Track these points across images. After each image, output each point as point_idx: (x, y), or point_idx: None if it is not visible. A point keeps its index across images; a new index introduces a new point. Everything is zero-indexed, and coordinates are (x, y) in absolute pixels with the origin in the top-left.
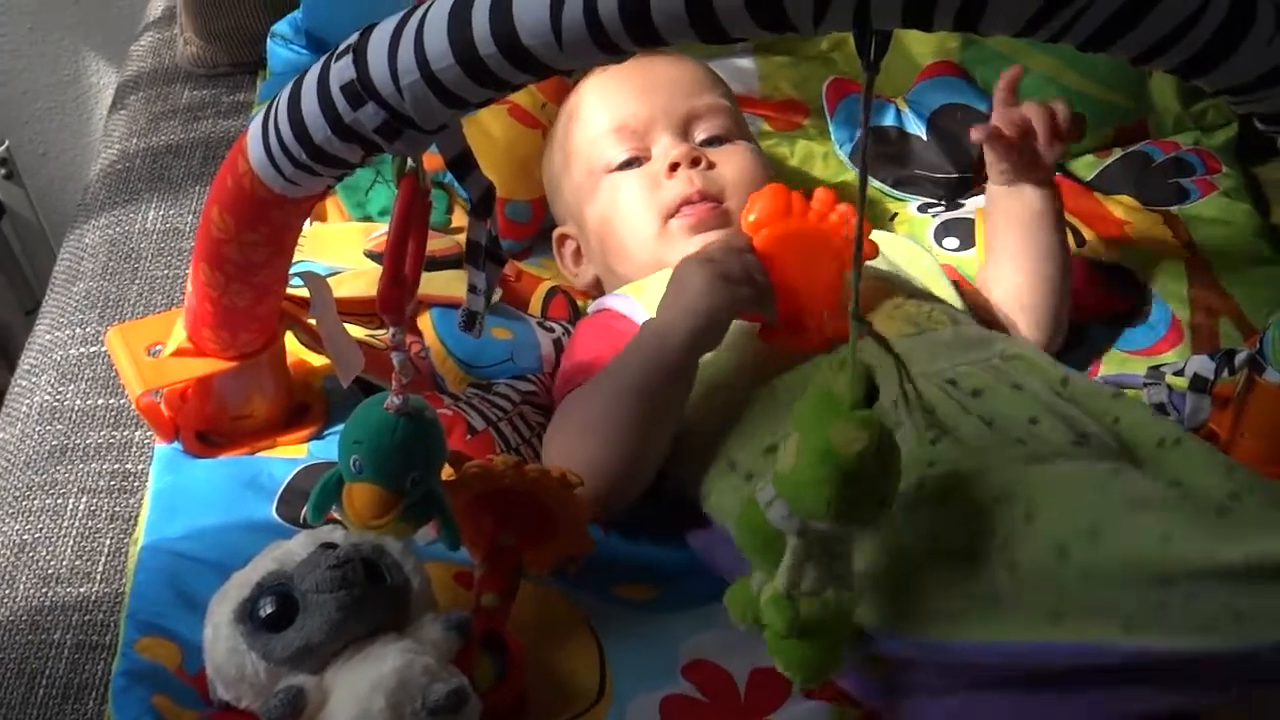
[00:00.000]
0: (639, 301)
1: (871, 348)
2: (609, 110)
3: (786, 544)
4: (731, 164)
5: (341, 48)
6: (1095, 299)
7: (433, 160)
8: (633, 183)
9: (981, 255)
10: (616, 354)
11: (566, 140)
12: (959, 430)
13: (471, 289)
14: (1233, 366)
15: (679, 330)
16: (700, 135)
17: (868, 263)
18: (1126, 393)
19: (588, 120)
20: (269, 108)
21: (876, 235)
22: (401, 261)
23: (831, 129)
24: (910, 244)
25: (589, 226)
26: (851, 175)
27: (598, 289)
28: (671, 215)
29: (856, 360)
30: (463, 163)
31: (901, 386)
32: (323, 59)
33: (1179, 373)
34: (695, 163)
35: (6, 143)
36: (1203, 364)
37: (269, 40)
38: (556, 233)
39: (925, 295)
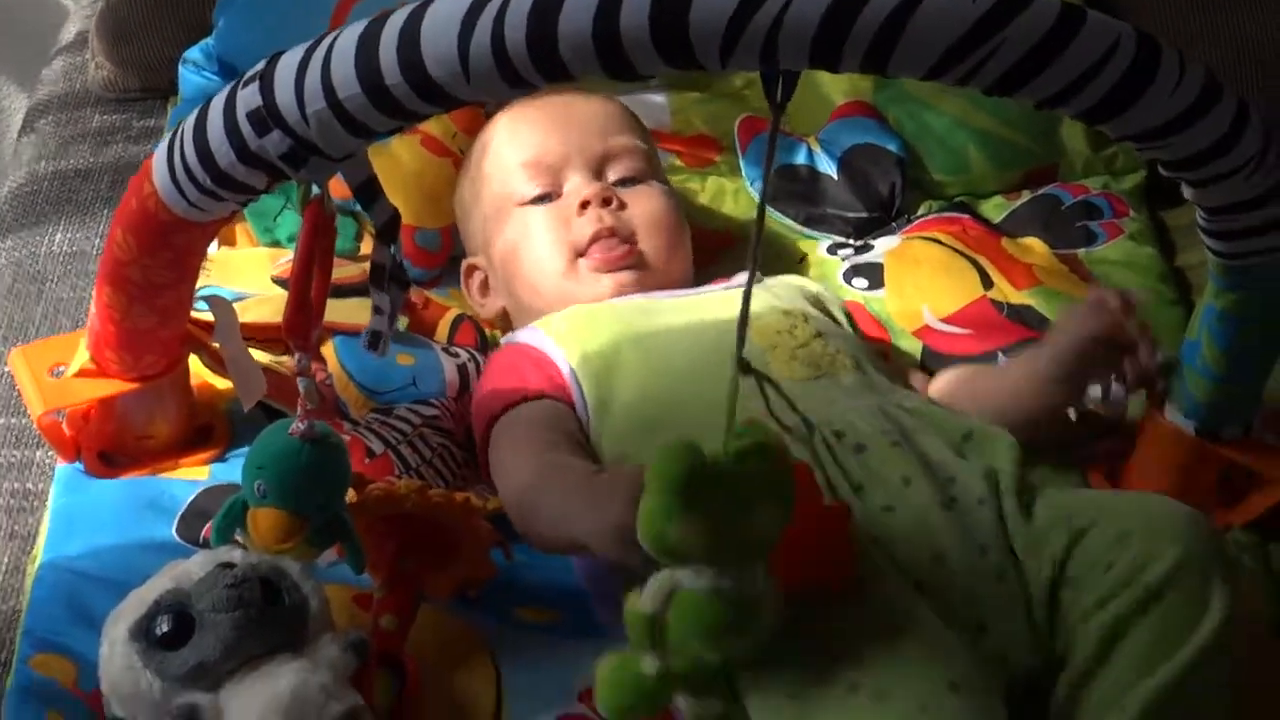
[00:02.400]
0: (548, 335)
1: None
2: (523, 145)
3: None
4: (643, 205)
5: (249, 74)
6: (1000, 333)
7: (341, 188)
8: (543, 218)
9: (891, 297)
10: (523, 380)
11: (479, 172)
12: (833, 495)
13: (375, 310)
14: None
15: (575, 532)
16: (613, 175)
17: (773, 297)
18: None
19: (501, 153)
20: (175, 132)
21: (784, 278)
22: (307, 288)
23: (743, 166)
24: (819, 287)
25: (497, 259)
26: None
27: (504, 320)
28: (581, 254)
29: (732, 412)
30: (368, 190)
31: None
32: (230, 85)
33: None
34: (607, 202)
35: None
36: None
37: (180, 66)
38: (465, 263)
39: (833, 334)
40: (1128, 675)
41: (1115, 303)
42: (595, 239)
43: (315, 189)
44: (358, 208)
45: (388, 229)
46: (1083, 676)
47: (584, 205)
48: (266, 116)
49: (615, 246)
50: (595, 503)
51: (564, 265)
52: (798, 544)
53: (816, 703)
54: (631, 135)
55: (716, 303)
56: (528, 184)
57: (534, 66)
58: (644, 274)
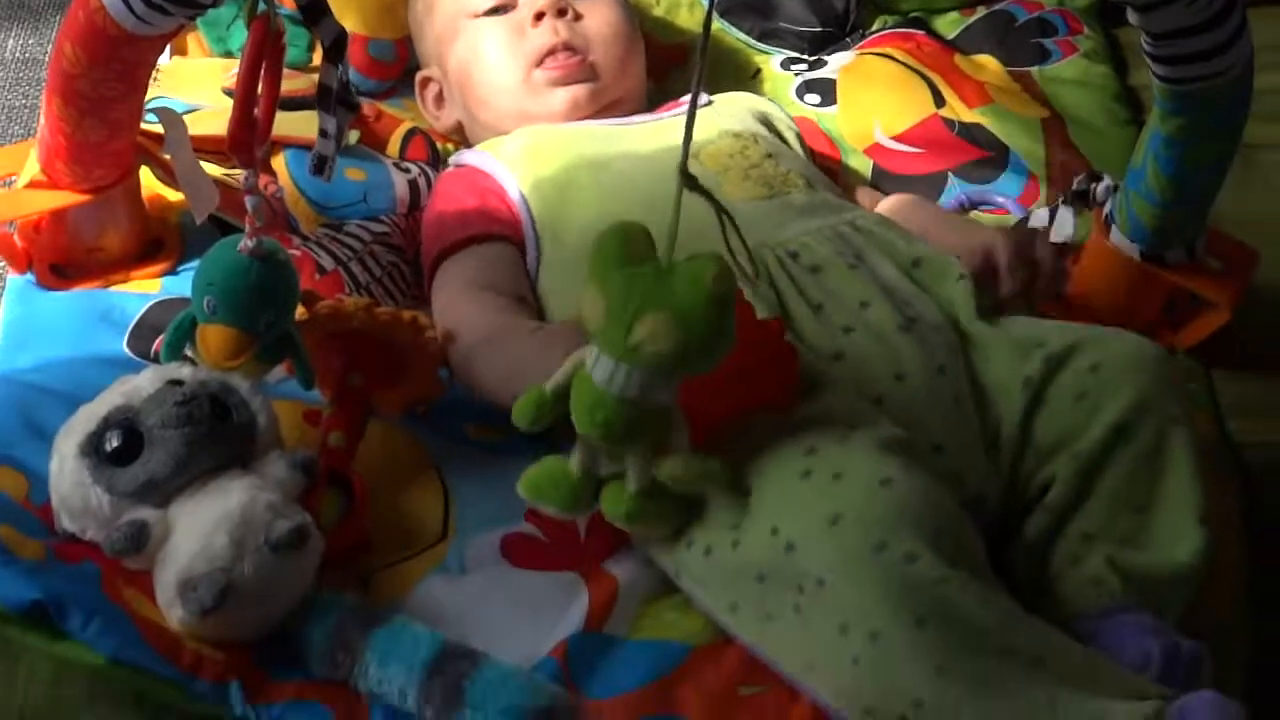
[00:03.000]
0: (497, 158)
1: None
2: None
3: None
4: (598, 16)
5: None
6: (953, 150)
7: None
8: (497, 30)
9: (843, 113)
10: (472, 211)
11: None
12: (789, 315)
13: (322, 133)
14: (1091, 196)
15: (515, 382)
16: None
17: (724, 120)
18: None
19: None
20: None
21: (733, 96)
22: (251, 104)
23: None
24: (770, 104)
25: (451, 71)
26: (715, 26)
27: (459, 133)
28: (536, 65)
29: (675, 223)
30: (315, 7)
31: (736, 262)
32: None
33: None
34: (561, 13)
35: None
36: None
37: None
38: (419, 75)
39: (784, 154)
40: (1102, 519)
41: (989, 252)
42: (550, 51)
43: (262, 3)
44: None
45: (335, 48)
46: (1058, 517)
47: (539, 16)
48: None
49: (569, 58)
50: (540, 355)
51: (519, 78)
52: (740, 366)
53: (775, 490)
54: None
55: (670, 129)
56: None
57: None
58: (597, 86)
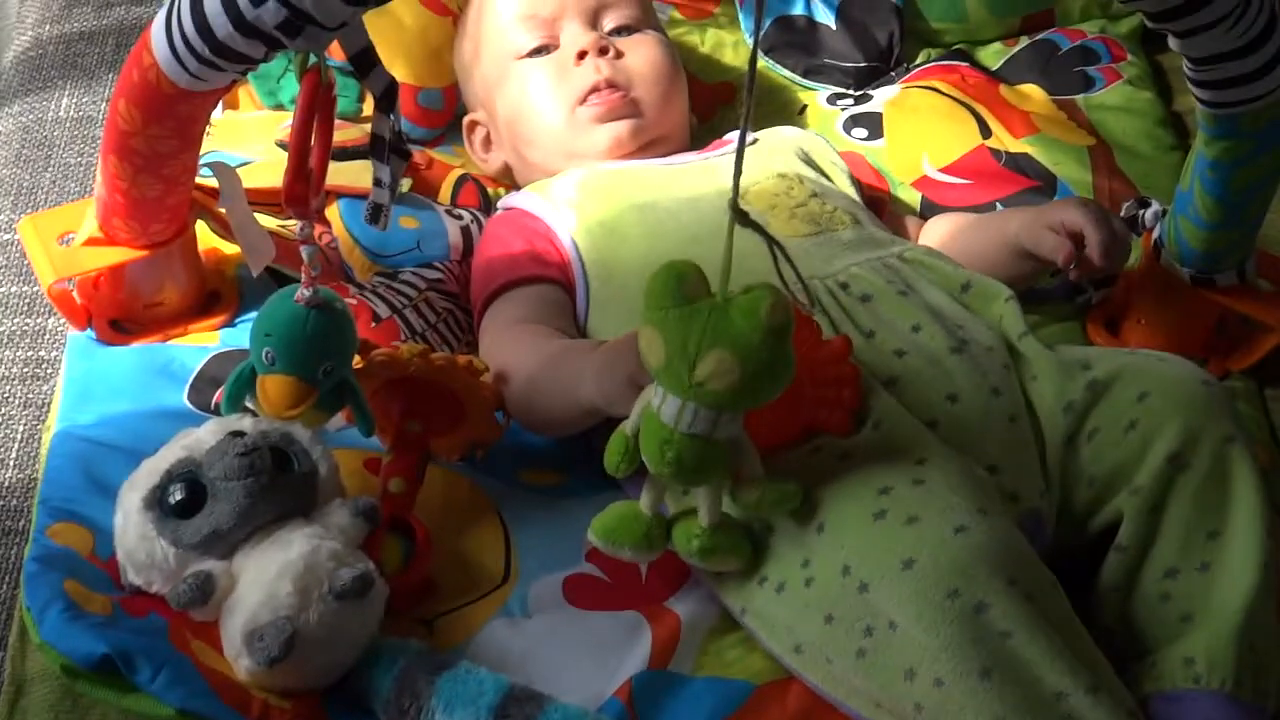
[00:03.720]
0: (545, 200)
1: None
2: None
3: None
4: (639, 54)
5: None
6: (1001, 180)
7: (339, 52)
8: (541, 70)
9: (890, 147)
10: (527, 247)
11: (477, 27)
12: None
13: (376, 183)
14: (1141, 221)
15: (583, 398)
16: (609, 24)
17: (769, 160)
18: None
19: (498, 7)
20: (171, 4)
21: (779, 131)
22: (305, 156)
23: (740, 17)
24: (816, 139)
25: (499, 114)
26: (761, 64)
27: (507, 175)
28: (579, 103)
29: (728, 257)
30: (365, 59)
31: (790, 292)
32: None
33: None
34: (603, 51)
35: None
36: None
37: None
38: (467, 119)
39: (829, 193)
40: (1178, 551)
41: (1070, 227)
42: (594, 89)
43: (313, 58)
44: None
45: (386, 97)
46: (1135, 556)
47: (581, 55)
48: None
49: (612, 94)
50: (606, 363)
51: (564, 116)
52: (805, 386)
53: (846, 530)
54: None
55: (717, 169)
56: (525, 37)
57: None
58: (640, 123)
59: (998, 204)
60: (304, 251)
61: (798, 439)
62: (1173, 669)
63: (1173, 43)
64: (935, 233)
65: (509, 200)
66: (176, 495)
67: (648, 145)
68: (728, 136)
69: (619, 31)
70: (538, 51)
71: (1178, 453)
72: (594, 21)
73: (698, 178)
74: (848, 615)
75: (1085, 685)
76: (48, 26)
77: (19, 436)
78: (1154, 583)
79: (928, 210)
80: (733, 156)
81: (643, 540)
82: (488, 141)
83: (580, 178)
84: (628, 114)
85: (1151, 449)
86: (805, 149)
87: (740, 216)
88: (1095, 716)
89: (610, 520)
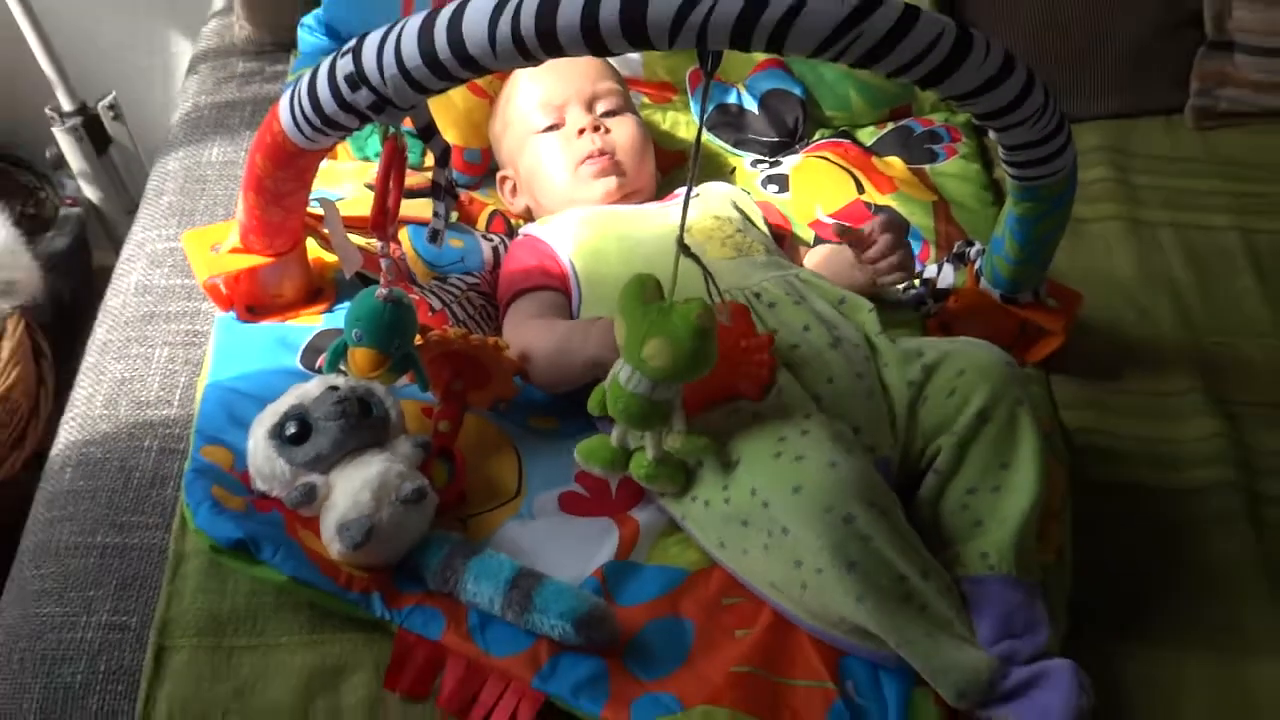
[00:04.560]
0: (551, 231)
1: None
2: (536, 90)
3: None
4: (622, 130)
5: (344, 50)
6: None
7: (410, 123)
8: (552, 142)
9: (794, 198)
10: (534, 270)
11: (506, 111)
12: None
13: (434, 215)
14: (967, 257)
15: (582, 357)
16: (600, 109)
17: (708, 206)
18: (871, 307)
19: (521, 97)
20: (294, 89)
21: (716, 186)
22: (385, 196)
23: (691, 104)
24: (737, 191)
25: (521, 172)
26: (705, 136)
27: (527, 214)
28: (579, 165)
29: (674, 277)
30: (428, 129)
31: (710, 296)
32: (330, 57)
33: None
34: (596, 129)
35: (114, 93)
36: (945, 268)
37: (299, 28)
38: (499, 174)
39: (750, 230)
40: (977, 476)
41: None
42: (589, 156)
43: (391, 129)
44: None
45: (443, 156)
46: (945, 477)
47: (581, 131)
48: (357, 79)
49: (603, 159)
50: (596, 332)
51: (569, 174)
52: (733, 362)
53: (754, 464)
54: (612, 81)
55: (671, 213)
56: (541, 118)
57: (541, 47)
58: (623, 180)
59: None
60: (382, 262)
61: (720, 402)
62: (973, 559)
63: (994, 135)
64: (813, 259)
65: (526, 229)
66: (291, 429)
67: (627, 195)
68: (678, 190)
69: (608, 114)
70: (549, 129)
71: (983, 409)
72: (590, 107)
73: (659, 218)
74: (756, 521)
75: (919, 571)
76: (204, 97)
77: (181, 384)
78: (957, 498)
79: (817, 243)
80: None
81: (608, 463)
82: (514, 190)
83: (576, 216)
84: (614, 173)
85: (965, 408)
86: (734, 199)
87: (684, 250)
88: (927, 589)
89: (588, 446)
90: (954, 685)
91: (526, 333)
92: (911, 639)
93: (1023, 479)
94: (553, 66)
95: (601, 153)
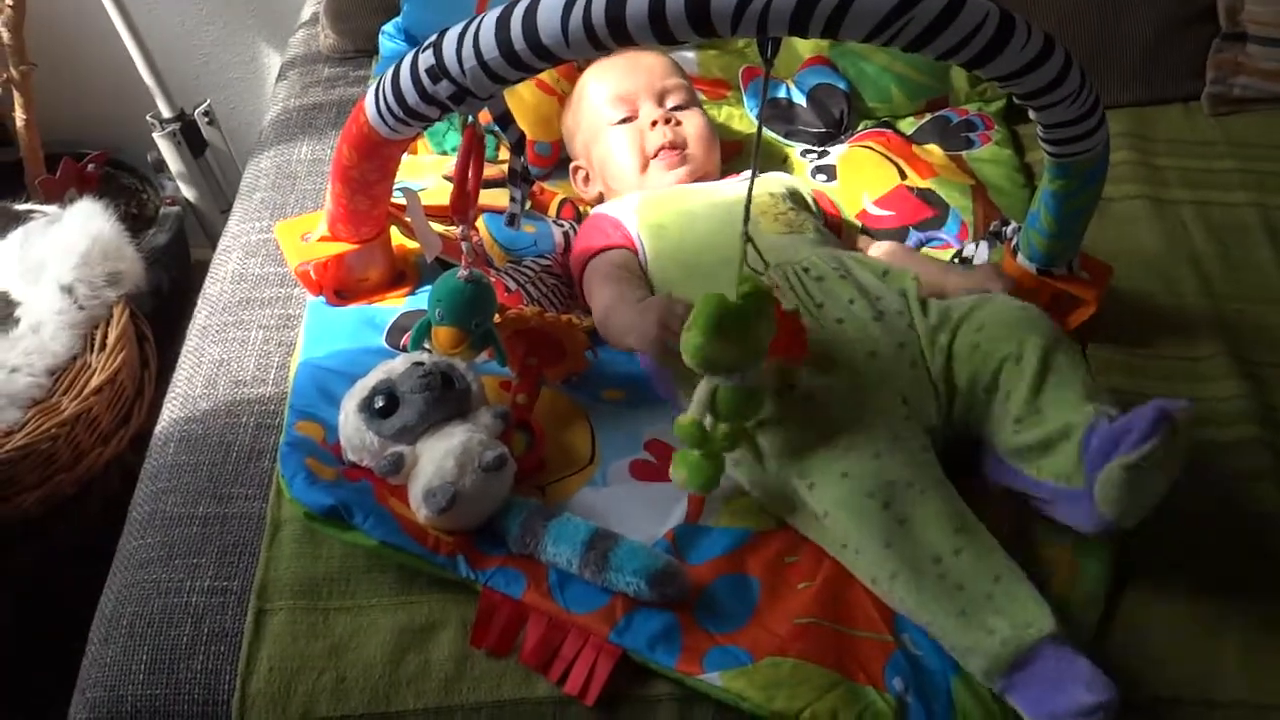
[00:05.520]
0: (621, 208)
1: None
2: (610, 85)
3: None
4: (691, 123)
5: (425, 44)
6: (914, 209)
7: (487, 116)
8: (625, 134)
9: (842, 186)
10: (605, 236)
11: (580, 104)
12: (805, 308)
13: (512, 200)
14: (1003, 235)
15: (625, 339)
16: (670, 103)
17: (764, 186)
18: (916, 278)
19: (595, 91)
20: (379, 82)
21: (772, 174)
22: (464, 182)
23: (745, 99)
24: (796, 180)
25: (595, 161)
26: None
27: (598, 200)
28: (653, 157)
29: (744, 263)
30: (505, 118)
31: (768, 274)
32: (413, 51)
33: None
34: (668, 121)
35: (209, 100)
36: (981, 246)
37: (380, 35)
38: (573, 164)
39: (802, 209)
40: (1019, 410)
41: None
42: (662, 148)
43: (470, 118)
44: (497, 129)
45: (518, 144)
46: (981, 398)
47: (654, 124)
48: (438, 72)
49: (674, 152)
50: (640, 319)
51: (640, 166)
52: (778, 340)
53: (807, 453)
54: (680, 77)
55: (730, 190)
56: (614, 110)
57: (611, 36)
58: (692, 168)
59: (910, 228)
60: (463, 246)
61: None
62: (1054, 472)
63: (1032, 114)
64: (880, 250)
65: (597, 209)
66: (379, 402)
67: (695, 180)
68: (739, 173)
69: (678, 108)
70: (623, 121)
71: (1010, 355)
72: (661, 101)
73: (716, 193)
74: (805, 501)
75: (952, 550)
76: (293, 100)
77: (275, 364)
78: (1006, 434)
79: (867, 234)
80: (742, 183)
81: (697, 439)
82: (587, 179)
83: (640, 195)
84: (683, 164)
85: (987, 362)
86: (788, 184)
87: (748, 238)
88: (959, 566)
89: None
90: (978, 667)
91: (597, 292)
92: (939, 619)
93: (1061, 408)
94: (625, 64)
95: (673, 145)
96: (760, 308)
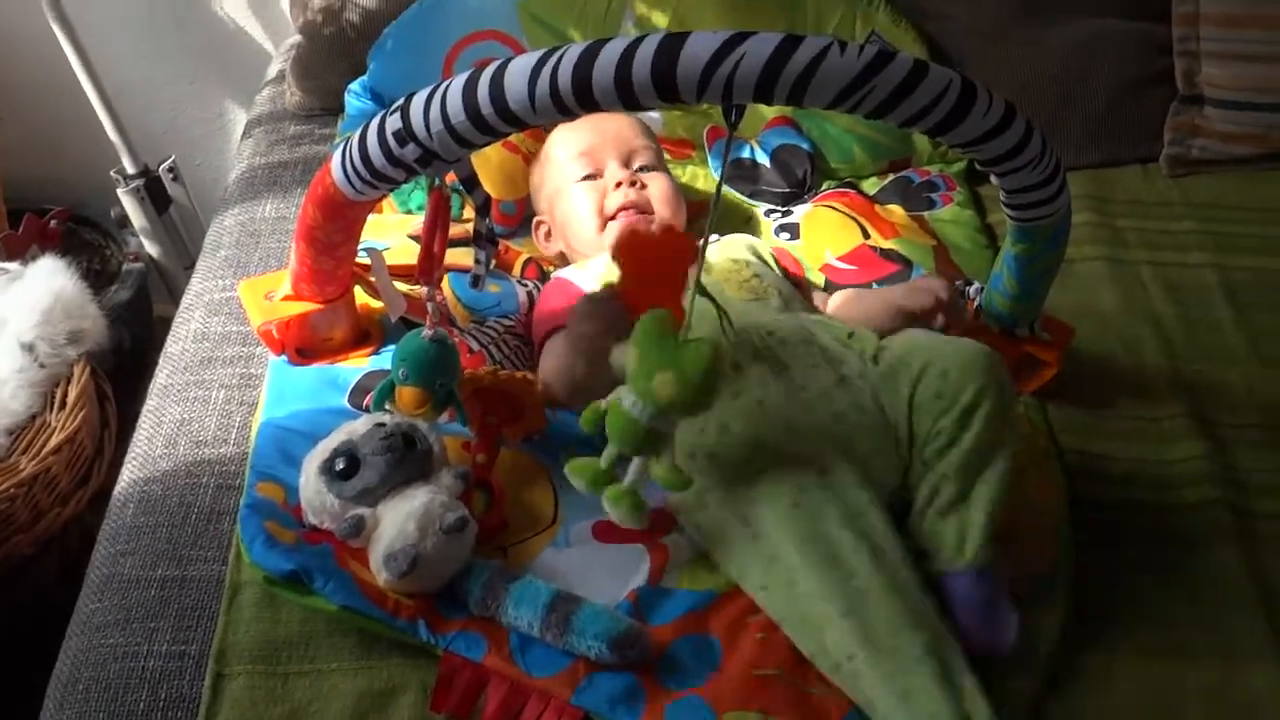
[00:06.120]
0: (583, 274)
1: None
2: (577, 142)
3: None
4: (656, 186)
5: (392, 108)
6: (876, 267)
7: (454, 176)
8: (587, 192)
9: (805, 244)
10: (569, 305)
11: (547, 161)
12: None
13: (476, 261)
14: (966, 294)
15: (548, 377)
16: (637, 163)
17: (726, 251)
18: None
19: (562, 147)
20: (345, 144)
21: (735, 235)
22: (431, 244)
23: (709, 159)
24: (758, 241)
25: (557, 218)
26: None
27: (561, 259)
28: (611, 217)
29: (693, 316)
30: (470, 180)
31: (724, 333)
32: (379, 115)
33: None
34: (633, 183)
35: (174, 156)
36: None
37: (346, 94)
38: (535, 220)
39: (765, 274)
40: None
41: (935, 292)
42: (624, 208)
43: (436, 180)
44: (462, 189)
45: (483, 206)
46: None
47: (618, 185)
48: (405, 135)
49: (636, 214)
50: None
51: (599, 225)
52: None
53: (771, 520)
54: (647, 138)
55: None
56: (579, 167)
57: (577, 102)
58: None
59: (874, 283)
60: (429, 306)
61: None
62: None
63: (995, 179)
64: (836, 301)
65: (559, 274)
66: (340, 464)
67: None
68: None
69: (643, 169)
70: (587, 178)
71: (969, 406)
72: (627, 162)
73: None
74: (769, 569)
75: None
76: (258, 158)
77: (236, 424)
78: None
79: (830, 287)
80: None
81: (591, 482)
82: (548, 235)
83: (606, 261)
84: (646, 224)
85: (952, 408)
86: (751, 245)
87: (701, 290)
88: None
89: (578, 464)
90: None
91: (564, 368)
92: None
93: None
94: (593, 122)
95: (635, 207)
96: (703, 351)
